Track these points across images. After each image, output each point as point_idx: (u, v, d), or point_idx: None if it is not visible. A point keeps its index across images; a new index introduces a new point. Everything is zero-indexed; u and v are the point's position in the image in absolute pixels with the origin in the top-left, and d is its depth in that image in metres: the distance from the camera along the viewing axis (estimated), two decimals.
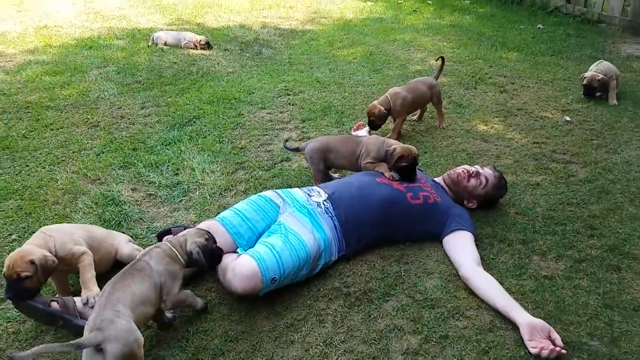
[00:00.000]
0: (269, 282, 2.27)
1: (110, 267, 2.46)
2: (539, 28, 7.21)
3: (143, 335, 1.87)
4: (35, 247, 2.17)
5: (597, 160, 3.60)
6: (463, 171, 2.96)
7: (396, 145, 2.90)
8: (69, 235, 2.29)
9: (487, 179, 2.93)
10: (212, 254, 2.27)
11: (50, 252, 2.18)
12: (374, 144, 3.02)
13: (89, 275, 2.24)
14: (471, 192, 2.93)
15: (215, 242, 2.30)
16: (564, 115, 4.34)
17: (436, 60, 4.06)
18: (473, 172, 2.95)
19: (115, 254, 2.51)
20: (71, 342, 1.74)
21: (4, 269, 2.10)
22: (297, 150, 3.37)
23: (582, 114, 4.38)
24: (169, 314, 2.20)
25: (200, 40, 6.15)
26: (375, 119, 3.73)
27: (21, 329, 2.24)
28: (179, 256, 2.16)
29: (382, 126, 3.86)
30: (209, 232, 2.31)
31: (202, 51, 6.11)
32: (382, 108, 3.72)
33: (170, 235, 2.66)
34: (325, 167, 3.18)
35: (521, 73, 5.38)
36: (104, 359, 1.74)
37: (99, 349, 1.74)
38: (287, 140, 3.65)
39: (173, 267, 2.11)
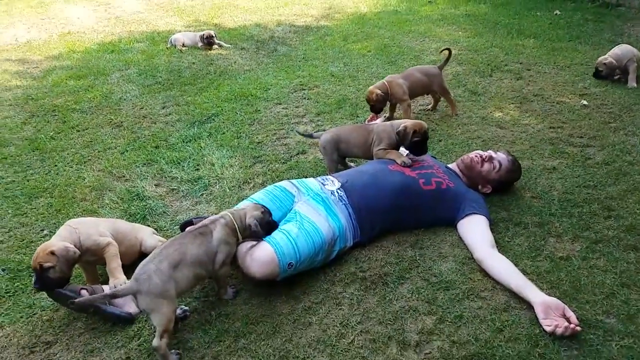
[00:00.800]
0: (286, 267, 2.35)
1: (136, 259, 2.56)
2: (556, 14, 7.11)
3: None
4: (59, 239, 2.29)
5: (614, 143, 3.57)
6: (476, 156, 2.99)
7: (406, 123, 2.96)
8: (94, 227, 2.42)
9: (500, 163, 2.95)
10: (269, 226, 2.40)
11: (76, 244, 2.30)
12: (384, 131, 3.07)
13: (114, 264, 2.37)
14: (485, 177, 2.95)
15: (271, 215, 2.44)
16: (581, 99, 4.30)
17: (440, 52, 4.09)
18: (486, 156, 2.97)
19: (140, 246, 2.62)
20: (107, 292, 2.00)
21: (32, 262, 2.24)
22: (310, 136, 3.48)
23: (599, 98, 4.33)
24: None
25: (204, 34, 6.26)
26: (375, 102, 3.83)
27: (54, 317, 2.37)
28: (238, 230, 2.29)
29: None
30: (265, 207, 2.44)
31: (219, 51, 6.23)
32: (380, 92, 3.83)
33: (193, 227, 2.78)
34: (338, 157, 3.25)
35: (537, 59, 5.34)
36: (138, 305, 2.01)
37: (134, 294, 1.99)
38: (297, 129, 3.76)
39: (231, 239, 2.27)
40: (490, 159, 2.96)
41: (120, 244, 2.46)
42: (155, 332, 2.03)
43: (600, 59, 4.63)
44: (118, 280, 2.33)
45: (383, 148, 3.03)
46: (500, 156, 3.00)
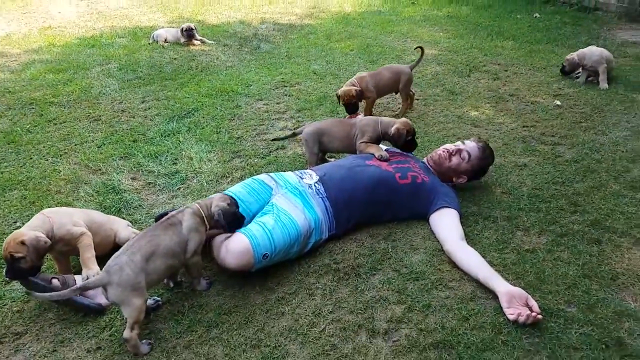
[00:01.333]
0: (261, 258, 2.38)
1: (109, 250, 2.55)
2: (536, 17, 7.26)
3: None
4: (30, 228, 2.27)
5: (584, 142, 3.68)
6: (443, 151, 3.05)
7: (398, 125, 3.06)
8: (69, 217, 2.40)
9: (469, 153, 3.01)
10: (233, 217, 2.39)
11: (48, 233, 2.28)
12: (368, 125, 3.14)
13: (88, 255, 2.36)
14: (456, 170, 3.02)
15: (237, 207, 2.43)
16: (554, 100, 4.41)
17: (415, 49, 4.16)
18: (453, 150, 3.03)
19: (115, 237, 2.62)
20: (78, 285, 1.99)
21: (2, 251, 2.22)
22: (293, 135, 3.47)
23: (573, 98, 4.44)
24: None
25: (183, 27, 6.25)
26: (354, 99, 3.88)
27: (25, 308, 2.36)
28: (205, 218, 2.30)
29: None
30: (232, 198, 2.44)
31: (202, 47, 6.23)
32: (355, 88, 3.91)
33: None
34: (319, 150, 3.29)
35: (515, 61, 5.45)
36: (107, 297, 2.01)
37: (104, 287, 2.00)
38: (275, 138, 3.70)
39: (200, 227, 2.28)
40: (458, 151, 3.02)
41: (95, 235, 2.45)
42: (126, 323, 2.04)
43: (567, 55, 4.86)
44: (91, 270, 2.33)
45: (365, 141, 3.10)
46: (470, 145, 3.05)
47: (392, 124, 3.10)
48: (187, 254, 2.24)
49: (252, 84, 4.98)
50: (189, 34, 6.20)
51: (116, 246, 2.59)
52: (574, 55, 4.77)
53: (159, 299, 2.34)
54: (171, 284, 2.42)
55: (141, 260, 2.05)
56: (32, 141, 3.92)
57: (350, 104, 3.89)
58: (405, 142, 3.08)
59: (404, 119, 3.15)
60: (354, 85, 3.93)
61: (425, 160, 3.14)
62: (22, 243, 2.18)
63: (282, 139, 3.56)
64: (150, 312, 2.26)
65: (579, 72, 4.86)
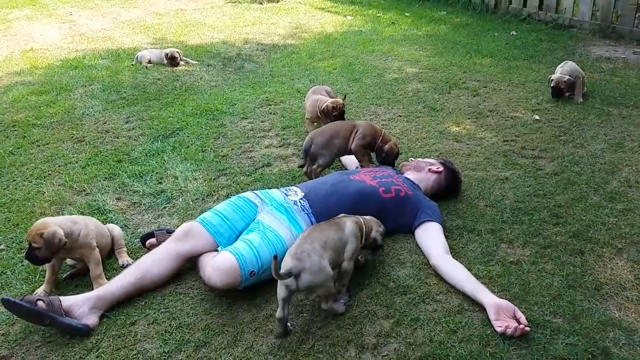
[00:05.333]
0: (248, 275, 2.38)
1: (108, 254, 2.78)
2: (513, 35, 7.45)
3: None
4: (54, 222, 2.44)
5: (564, 155, 3.77)
6: (410, 160, 3.40)
7: (391, 143, 3.40)
8: (94, 231, 2.58)
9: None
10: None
11: (73, 236, 2.45)
12: (371, 127, 3.44)
13: (98, 272, 2.54)
14: (427, 160, 3.28)
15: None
16: (533, 114, 4.52)
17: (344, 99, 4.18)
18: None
19: (112, 239, 2.78)
20: (280, 272, 2.11)
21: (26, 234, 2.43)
22: (306, 153, 3.38)
23: (551, 113, 4.56)
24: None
25: (167, 53, 6.25)
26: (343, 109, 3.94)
27: (10, 331, 2.32)
28: (363, 233, 2.43)
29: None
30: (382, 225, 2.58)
31: (186, 67, 6.26)
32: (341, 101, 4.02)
33: (154, 239, 2.79)
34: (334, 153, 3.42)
35: (494, 77, 5.58)
36: (297, 285, 2.11)
37: (296, 275, 2.10)
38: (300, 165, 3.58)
39: (358, 236, 2.39)
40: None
41: (98, 244, 2.60)
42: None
43: (557, 77, 4.76)
44: (104, 281, 2.52)
45: (363, 145, 3.35)
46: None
47: (387, 140, 3.38)
48: (345, 254, 2.32)
49: (236, 102, 5.01)
50: (172, 62, 6.20)
51: (113, 249, 2.80)
52: (563, 77, 4.71)
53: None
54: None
55: (320, 247, 2.19)
56: (15, 163, 3.88)
57: (343, 113, 3.92)
58: (396, 158, 3.42)
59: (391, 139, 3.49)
60: (338, 99, 4.03)
61: (407, 173, 3.20)
62: (40, 235, 2.33)
63: (303, 163, 3.46)
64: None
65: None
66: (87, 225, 2.56)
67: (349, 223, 2.37)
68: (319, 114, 3.97)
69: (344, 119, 3.87)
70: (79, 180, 3.61)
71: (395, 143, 3.46)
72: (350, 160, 3.63)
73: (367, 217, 2.55)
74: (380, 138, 3.39)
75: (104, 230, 2.74)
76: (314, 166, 3.35)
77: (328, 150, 3.34)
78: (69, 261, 2.71)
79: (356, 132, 3.38)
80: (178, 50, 6.35)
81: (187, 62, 6.42)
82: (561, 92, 4.78)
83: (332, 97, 4.23)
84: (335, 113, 3.80)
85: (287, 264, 2.14)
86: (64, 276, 2.64)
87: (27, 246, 2.40)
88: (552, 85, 4.78)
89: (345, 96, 4.42)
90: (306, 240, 2.22)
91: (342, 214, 2.51)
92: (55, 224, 2.42)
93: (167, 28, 8.38)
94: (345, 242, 2.32)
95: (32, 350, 2.21)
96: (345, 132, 3.40)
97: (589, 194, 3.25)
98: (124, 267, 2.66)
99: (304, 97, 4.40)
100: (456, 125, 4.35)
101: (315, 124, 4.13)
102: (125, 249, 2.81)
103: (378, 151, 3.41)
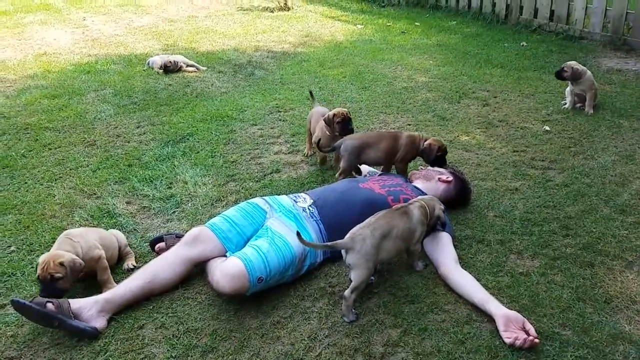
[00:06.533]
0: (256, 281, 2.38)
1: (117, 259, 2.77)
2: (523, 45, 7.44)
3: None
4: (58, 251, 2.39)
5: (574, 166, 3.75)
6: (420, 168, 3.39)
7: (430, 140, 3.38)
8: (93, 241, 2.54)
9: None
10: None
11: (78, 256, 2.42)
12: (412, 143, 3.39)
13: (105, 276, 2.55)
14: (437, 170, 3.25)
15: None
16: (543, 125, 4.51)
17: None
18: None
19: (118, 245, 2.76)
20: (328, 243, 2.44)
21: (38, 271, 2.33)
22: (332, 150, 3.51)
23: (561, 124, 4.54)
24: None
25: (161, 64, 6.27)
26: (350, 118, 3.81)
27: (19, 332, 2.34)
28: (427, 215, 2.57)
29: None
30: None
31: (197, 74, 6.31)
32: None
33: (162, 243, 2.80)
34: (358, 162, 3.45)
35: (504, 87, 5.58)
36: (345, 258, 2.33)
37: (346, 250, 2.32)
38: (319, 140, 3.63)
39: (424, 221, 2.55)
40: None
41: (106, 251, 2.60)
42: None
43: (571, 63, 4.88)
44: (112, 285, 2.52)
45: (405, 162, 3.43)
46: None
47: (424, 139, 3.40)
48: (412, 241, 2.51)
49: (246, 109, 5.04)
50: (166, 70, 6.21)
51: (121, 254, 2.78)
52: (578, 67, 4.77)
53: (374, 277, 2.54)
54: (374, 278, 2.55)
55: (379, 237, 2.33)
56: (27, 166, 3.92)
57: (348, 120, 3.65)
58: (436, 157, 3.34)
59: (435, 137, 3.50)
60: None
61: (415, 182, 3.19)
62: (61, 264, 2.31)
63: (328, 151, 3.59)
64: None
65: (564, 100, 4.96)
66: (87, 241, 2.52)
67: (415, 211, 2.52)
68: (324, 127, 3.72)
69: (351, 128, 3.66)
70: (89, 184, 3.64)
71: (437, 139, 3.43)
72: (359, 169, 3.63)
73: (427, 197, 2.72)
74: (422, 142, 3.38)
75: (110, 240, 2.71)
76: (337, 174, 3.44)
77: (352, 155, 3.36)
78: None
79: (400, 147, 3.37)
80: (175, 59, 6.32)
81: (197, 69, 6.46)
82: (562, 76, 4.84)
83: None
84: (339, 120, 3.61)
85: (340, 241, 2.35)
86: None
87: (44, 282, 2.31)
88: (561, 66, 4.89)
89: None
90: (370, 225, 2.36)
91: (413, 201, 2.62)
92: (62, 252, 2.39)
93: (179, 34, 8.46)
94: (414, 230, 2.50)
95: (40, 352, 2.22)
96: (385, 143, 3.37)
97: (599, 206, 3.22)
98: (128, 271, 2.68)
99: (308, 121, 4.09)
100: (466, 135, 4.35)
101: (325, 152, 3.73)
102: (132, 253, 2.83)
103: (422, 155, 3.42)
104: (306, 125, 4.13)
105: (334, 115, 3.62)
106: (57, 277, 2.29)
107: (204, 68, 6.52)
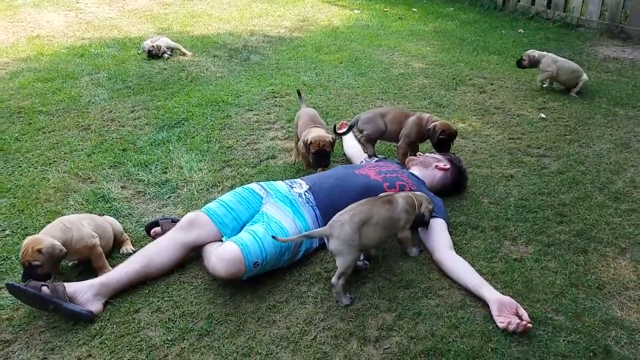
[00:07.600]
0: (252, 266, 2.39)
1: (112, 246, 2.74)
2: (520, 33, 7.42)
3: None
4: (47, 235, 2.35)
5: (569, 154, 3.76)
6: (418, 154, 3.41)
7: (437, 123, 3.35)
8: (87, 229, 2.50)
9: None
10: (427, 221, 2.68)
11: (67, 243, 2.38)
12: (417, 125, 3.41)
13: (100, 263, 2.53)
14: (434, 156, 3.28)
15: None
16: (539, 112, 4.51)
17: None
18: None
19: (113, 231, 2.72)
20: (305, 233, 2.46)
21: (20, 255, 2.32)
22: (349, 130, 3.59)
23: (557, 112, 4.55)
24: (360, 263, 2.57)
25: (146, 48, 6.14)
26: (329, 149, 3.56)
27: (15, 316, 2.34)
28: (415, 205, 2.56)
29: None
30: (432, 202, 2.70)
31: (192, 58, 6.25)
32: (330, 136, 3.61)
33: (158, 228, 2.80)
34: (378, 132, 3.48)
35: (500, 75, 5.56)
36: (328, 246, 2.35)
37: (326, 237, 2.34)
38: (335, 126, 3.78)
39: (410, 211, 2.53)
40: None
41: (101, 238, 2.56)
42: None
43: (528, 51, 5.12)
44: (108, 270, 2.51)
45: (408, 144, 3.43)
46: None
47: (432, 121, 3.38)
48: (397, 229, 2.50)
49: (242, 94, 5.00)
50: (149, 55, 6.09)
51: (117, 240, 2.75)
52: (535, 54, 4.98)
53: (368, 263, 2.58)
54: (366, 263, 2.59)
55: (359, 222, 2.31)
56: (21, 149, 3.89)
57: (324, 155, 3.24)
58: (438, 140, 3.31)
59: (444, 121, 3.43)
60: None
61: (412, 169, 3.19)
62: (39, 251, 2.26)
63: (344, 133, 3.64)
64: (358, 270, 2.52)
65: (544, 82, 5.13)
66: (79, 229, 2.46)
67: (400, 200, 2.51)
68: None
69: (326, 163, 3.29)
70: (84, 168, 3.62)
71: (445, 123, 3.37)
72: (355, 154, 3.63)
73: (418, 193, 2.69)
74: (428, 123, 3.37)
75: (105, 227, 2.66)
76: (362, 139, 3.54)
77: (372, 124, 3.44)
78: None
79: (406, 123, 3.43)
80: (158, 44, 6.15)
81: (183, 53, 6.29)
82: (521, 63, 5.09)
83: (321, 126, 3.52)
84: (313, 151, 3.19)
85: (318, 230, 2.42)
86: (69, 263, 2.65)
87: (24, 267, 2.30)
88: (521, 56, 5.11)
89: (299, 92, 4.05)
90: (350, 211, 2.36)
91: (401, 192, 2.63)
92: (47, 236, 2.35)
93: (174, 18, 8.36)
94: (397, 218, 2.47)
95: (36, 335, 2.23)
96: (394, 118, 3.46)
97: (594, 194, 3.25)
98: (124, 255, 2.68)
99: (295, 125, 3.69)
100: (462, 122, 4.34)
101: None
102: (128, 239, 2.82)
103: (429, 137, 3.40)
104: (293, 128, 3.78)
105: (310, 143, 3.18)
106: (34, 264, 2.26)
107: (190, 53, 6.37)
